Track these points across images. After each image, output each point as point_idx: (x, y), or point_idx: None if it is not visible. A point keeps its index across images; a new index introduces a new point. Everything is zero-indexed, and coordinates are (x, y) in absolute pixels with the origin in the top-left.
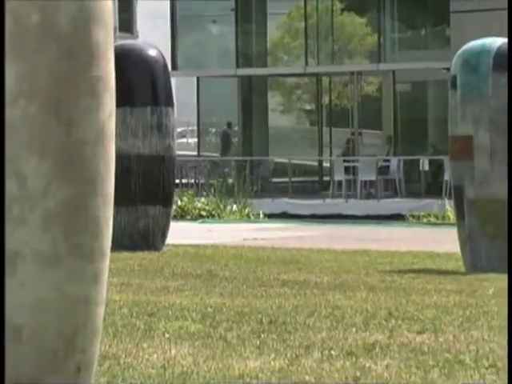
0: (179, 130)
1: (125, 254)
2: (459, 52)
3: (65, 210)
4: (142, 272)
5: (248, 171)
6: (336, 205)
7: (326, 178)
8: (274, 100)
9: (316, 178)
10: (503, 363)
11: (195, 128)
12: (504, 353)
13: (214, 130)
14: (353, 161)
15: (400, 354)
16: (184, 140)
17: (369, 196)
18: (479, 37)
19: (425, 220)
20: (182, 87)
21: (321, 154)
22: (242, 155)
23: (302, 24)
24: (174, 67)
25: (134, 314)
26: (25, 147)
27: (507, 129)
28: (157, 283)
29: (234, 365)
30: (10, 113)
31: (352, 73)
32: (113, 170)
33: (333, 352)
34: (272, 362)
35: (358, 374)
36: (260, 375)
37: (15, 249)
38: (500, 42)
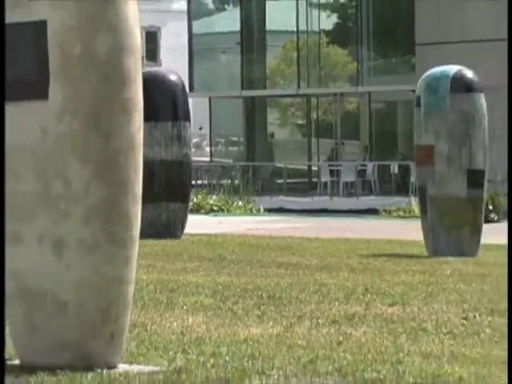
0: (194, 140)
1: (151, 242)
2: (423, 77)
3: (102, 206)
4: (164, 256)
5: (251, 174)
6: (322, 201)
7: (314, 180)
8: (272, 116)
9: (306, 180)
10: (459, 330)
11: (208, 139)
12: (459, 322)
13: (223, 140)
14: (336, 165)
15: (375, 322)
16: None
17: (349, 194)
18: (439, 65)
19: (395, 214)
20: (197, 106)
21: (310, 159)
22: (246, 161)
23: (295, 54)
24: (191, 89)
25: (158, 290)
26: (70, 155)
27: (507, 130)
28: (177, 265)
29: (240, 331)
30: (58, 127)
31: (335, 94)
32: (141, 174)
33: (320, 321)
34: (270, 329)
35: (341, 338)
36: (261, 340)
37: (62, 238)
38: (456, 69)
